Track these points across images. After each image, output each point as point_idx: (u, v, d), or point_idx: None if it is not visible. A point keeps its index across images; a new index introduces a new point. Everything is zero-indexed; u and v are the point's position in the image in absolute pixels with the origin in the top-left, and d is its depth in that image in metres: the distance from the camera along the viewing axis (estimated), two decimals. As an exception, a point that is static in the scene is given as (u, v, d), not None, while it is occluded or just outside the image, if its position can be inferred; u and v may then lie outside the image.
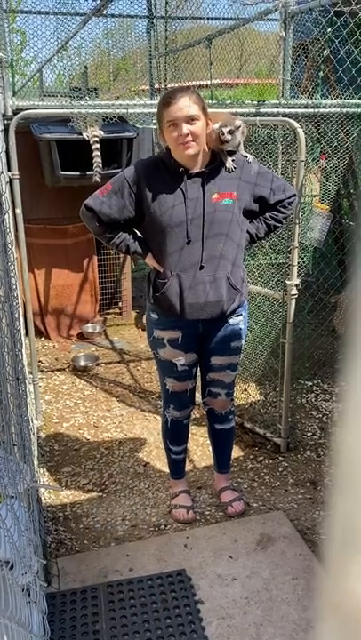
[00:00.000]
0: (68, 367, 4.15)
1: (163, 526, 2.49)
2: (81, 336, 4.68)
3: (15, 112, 3.07)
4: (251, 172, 2.20)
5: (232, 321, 2.29)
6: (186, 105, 2.02)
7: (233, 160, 2.17)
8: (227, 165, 2.16)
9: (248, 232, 2.27)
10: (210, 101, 3.47)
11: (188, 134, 2.03)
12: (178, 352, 2.28)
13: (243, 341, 2.39)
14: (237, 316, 2.30)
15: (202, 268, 2.15)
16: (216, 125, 2.11)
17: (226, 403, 2.48)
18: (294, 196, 2.32)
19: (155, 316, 2.27)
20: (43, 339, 4.59)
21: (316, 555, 2.28)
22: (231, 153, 2.18)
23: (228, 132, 2.11)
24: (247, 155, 2.24)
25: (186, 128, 2.03)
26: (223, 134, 2.10)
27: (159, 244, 2.16)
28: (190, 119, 2.03)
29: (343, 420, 0.32)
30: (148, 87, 4.06)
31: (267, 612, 2.01)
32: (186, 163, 2.11)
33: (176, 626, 1.95)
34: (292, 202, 2.30)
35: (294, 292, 2.81)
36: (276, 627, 1.96)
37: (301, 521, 2.50)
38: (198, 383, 2.50)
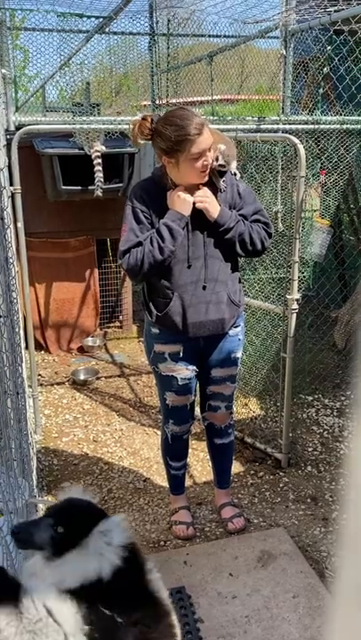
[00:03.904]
0: (68, 381, 4.14)
1: (162, 542, 2.47)
2: (81, 350, 4.68)
3: (18, 127, 3.10)
4: (236, 190, 2.21)
5: (232, 332, 2.30)
6: (209, 134, 2.01)
7: (223, 180, 2.18)
8: (218, 186, 2.16)
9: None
10: (211, 117, 3.50)
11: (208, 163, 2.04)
12: (179, 366, 2.27)
13: (241, 352, 2.39)
14: (236, 326, 2.31)
15: (204, 288, 2.15)
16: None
17: (225, 416, 2.47)
18: (270, 230, 2.26)
19: (155, 330, 2.26)
20: (43, 352, 4.58)
21: (318, 572, 2.25)
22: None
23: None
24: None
25: (210, 157, 2.03)
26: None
27: None
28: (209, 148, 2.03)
29: (352, 456, 0.31)
30: (149, 103, 4.10)
31: (267, 631, 1.99)
32: (191, 186, 2.10)
33: (175, 645, 1.92)
34: (270, 233, 2.25)
35: (295, 306, 2.81)
36: (277, 646, 1.93)
37: (302, 537, 2.47)
38: (197, 398, 2.49)
